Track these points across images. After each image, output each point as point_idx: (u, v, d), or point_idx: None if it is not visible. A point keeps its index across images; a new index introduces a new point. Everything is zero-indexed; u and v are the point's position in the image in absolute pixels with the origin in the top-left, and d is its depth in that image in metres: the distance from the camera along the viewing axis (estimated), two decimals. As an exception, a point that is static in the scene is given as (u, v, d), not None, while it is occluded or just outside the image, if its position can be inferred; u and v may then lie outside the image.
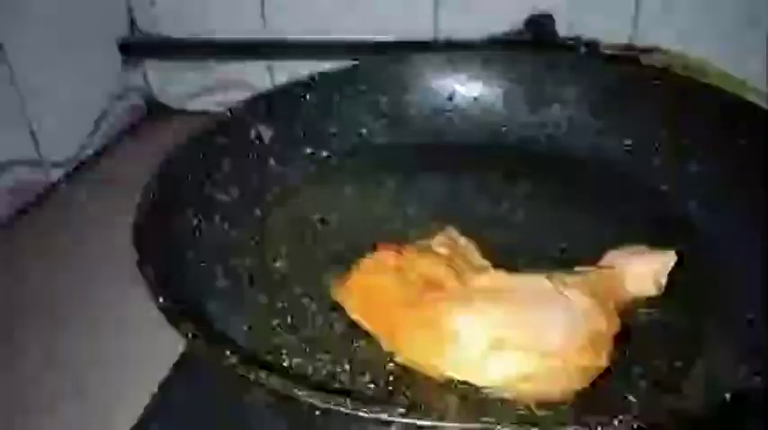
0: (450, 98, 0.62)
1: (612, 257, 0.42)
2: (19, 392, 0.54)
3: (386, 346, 0.39)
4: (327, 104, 0.60)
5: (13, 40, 0.75)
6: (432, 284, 0.39)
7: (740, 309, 0.41)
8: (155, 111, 1.02)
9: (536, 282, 0.38)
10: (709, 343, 0.39)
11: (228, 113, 0.54)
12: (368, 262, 0.42)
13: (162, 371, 0.47)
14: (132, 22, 0.97)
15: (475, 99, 0.62)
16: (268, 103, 0.57)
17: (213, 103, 1.01)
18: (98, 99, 0.91)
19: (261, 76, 0.97)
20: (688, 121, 0.51)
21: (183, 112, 1.01)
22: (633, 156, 0.55)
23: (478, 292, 0.38)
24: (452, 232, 0.48)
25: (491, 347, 0.35)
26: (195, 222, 0.48)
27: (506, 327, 0.36)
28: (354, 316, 0.41)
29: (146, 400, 0.45)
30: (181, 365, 0.47)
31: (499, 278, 0.39)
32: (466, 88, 0.62)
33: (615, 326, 0.38)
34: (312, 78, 0.59)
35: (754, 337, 0.39)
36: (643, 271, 0.41)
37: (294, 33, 0.92)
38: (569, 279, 0.39)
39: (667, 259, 0.41)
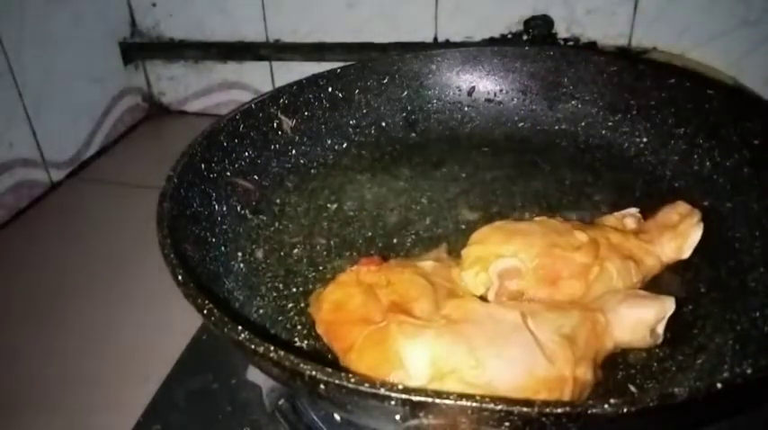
0: (470, 93, 0.63)
1: (604, 301, 0.39)
2: (11, 385, 0.55)
3: (341, 362, 0.37)
4: (348, 97, 0.62)
5: (15, 42, 0.77)
6: (398, 305, 0.37)
7: (746, 304, 0.42)
8: (155, 111, 1.03)
9: (506, 315, 0.36)
10: (713, 336, 0.40)
11: (252, 104, 0.56)
12: (346, 275, 0.41)
13: (161, 367, 0.48)
14: (133, 24, 0.98)
15: (494, 94, 0.63)
16: (290, 95, 0.58)
17: (213, 103, 1.02)
18: (99, 100, 0.93)
19: (261, 78, 0.97)
20: (702, 120, 0.51)
21: (183, 113, 1.03)
22: (648, 153, 0.55)
23: (441, 319, 0.36)
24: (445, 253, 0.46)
25: (432, 378, 0.33)
26: (217, 208, 0.50)
27: (453, 360, 0.34)
28: (319, 330, 0.40)
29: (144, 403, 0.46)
30: (182, 364, 0.48)
31: (469, 304, 0.37)
32: (485, 83, 0.63)
33: (588, 375, 0.34)
34: (334, 72, 0.61)
35: (759, 332, 0.39)
36: (636, 319, 0.37)
37: (294, 35, 0.92)
38: (549, 315, 0.36)
39: (665, 307, 0.38)
